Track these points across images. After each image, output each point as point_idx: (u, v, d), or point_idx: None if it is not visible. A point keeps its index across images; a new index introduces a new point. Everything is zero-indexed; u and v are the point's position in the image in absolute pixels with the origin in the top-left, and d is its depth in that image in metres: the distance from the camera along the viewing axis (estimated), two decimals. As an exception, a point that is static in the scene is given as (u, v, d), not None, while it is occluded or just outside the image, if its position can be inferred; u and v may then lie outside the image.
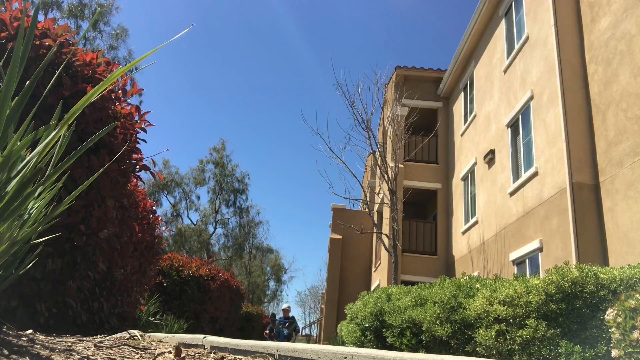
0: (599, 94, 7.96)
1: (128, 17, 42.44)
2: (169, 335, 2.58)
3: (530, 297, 3.10)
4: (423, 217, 16.89)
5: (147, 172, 3.46)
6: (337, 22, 65.25)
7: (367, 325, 4.76)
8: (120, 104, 3.12)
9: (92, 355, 1.43)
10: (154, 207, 4.73)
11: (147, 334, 2.45)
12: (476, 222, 12.25)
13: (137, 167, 3.36)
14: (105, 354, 1.50)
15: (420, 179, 15.05)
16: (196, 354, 1.80)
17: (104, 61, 2.97)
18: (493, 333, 3.23)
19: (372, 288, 16.61)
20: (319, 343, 21.03)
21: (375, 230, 12.62)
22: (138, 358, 1.54)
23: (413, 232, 14.76)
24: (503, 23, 11.77)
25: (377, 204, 16.32)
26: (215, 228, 35.58)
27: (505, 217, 10.43)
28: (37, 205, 1.49)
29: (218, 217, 35.68)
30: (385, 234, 12.14)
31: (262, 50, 63.59)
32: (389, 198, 11.49)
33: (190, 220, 35.50)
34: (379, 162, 11.82)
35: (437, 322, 3.77)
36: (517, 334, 3.06)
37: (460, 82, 14.89)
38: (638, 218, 6.63)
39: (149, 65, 1.38)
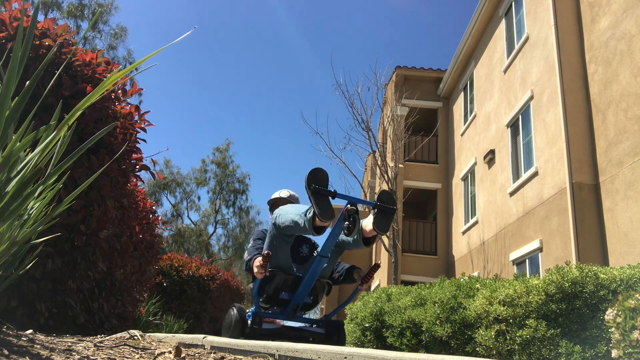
0: (599, 94, 7.96)
1: (127, 15, 42.38)
2: (169, 335, 2.58)
3: (530, 297, 3.10)
4: (423, 217, 16.89)
5: (147, 171, 3.46)
6: (336, 22, 65.22)
7: (367, 325, 4.76)
8: (120, 103, 3.12)
9: (92, 355, 1.43)
10: (153, 207, 4.73)
11: (147, 334, 2.46)
12: (476, 222, 12.24)
13: (137, 167, 3.36)
14: (105, 354, 1.50)
15: (420, 179, 15.05)
16: (196, 354, 1.80)
17: (103, 61, 2.97)
18: (493, 333, 3.23)
19: (372, 288, 16.62)
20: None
21: (375, 230, 12.60)
22: (138, 358, 1.54)
23: (413, 232, 14.76)
24: (503, 23, 11.77)
25: (377, 204, 16.29)
26: (215, 228, 35.59)
27: (505, 217, 10.42)
28: (37, 205, 1.49)
29: (218, 217, 35.69)
30: (385, 234, 12.14)
31: (261, 49, 63.56)
32: (389, 198, 11.48)
33: (191, 220, 35.52)
34: (379, 162, 11.83)
35: (437, 322, 3.77)
36: (517, 334, 3.06)
37: (460, 82, 14.89)
38: (638, 218, 6.63)
39: (150, 67, 1.38)
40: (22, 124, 1.31)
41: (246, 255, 3.01)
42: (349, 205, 2.58)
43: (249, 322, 2.87)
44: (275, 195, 3.41)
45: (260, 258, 2.68)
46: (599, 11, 8.19)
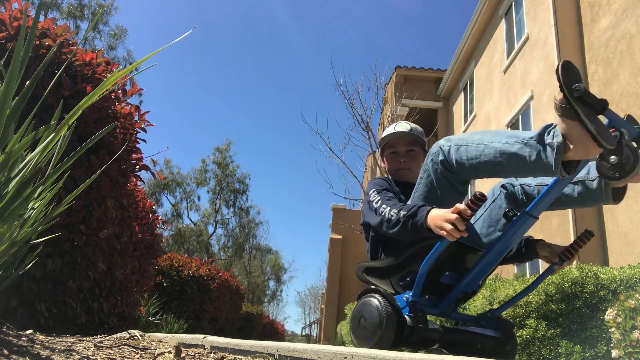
0: (599, 94, 7.96)
1: (127, 15, 42.50)
2: (169, 335, 2.58)
3: (530, 297, 3.10)
4: (423, 217, 16.87)
5: (148, 171, 3.46)
6: (337, 22, 65.23)
7: (367, 325, 4.75)
8: (120, 103, 3.12)
9: (92, 355, 1.43)
10: (153, 207, 4.73)
11: (147, 334, 2.46)
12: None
13: (137, 167, 3.36)
14: (105, 354, 1.50)
15: (420, 179, 15.04)
16: (196, 354, 1.80)
17: (103, 61, 2.97)
18: (493, 333, 3.23)
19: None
20: (319, 343, 21.02)
21: (375, 230, 12.59)
22: (138, 358, 1.54)
23: (413, 232, 14.74)
24: (503, 23, 11.77)
25: (377, 204, 16.29)
26: (215, 228, 35.61)
27: (505, 217, 10.42)
28: (37, 205, 1.49)
29: (218, 217, 35.71)
30: None
31: (262, 50, 63.56)
32: (389, 198, 11.47)
33: (191, 220, 35.53)
34: (379, 162, 11.82)
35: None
36: (517, 334, 3.06)
37: (460, 82, 14.89)
38: (638, 218, 6.63)
39: (150, 67, 1.38)
40: (22, 124, 1.31)
41: (389, 212, 1.82)
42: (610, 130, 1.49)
43: (408, 319, 1.72)
44: (389, 130, 2.32)
45: (463, 207, 1.54)
46: (599, 11, 8.19)
